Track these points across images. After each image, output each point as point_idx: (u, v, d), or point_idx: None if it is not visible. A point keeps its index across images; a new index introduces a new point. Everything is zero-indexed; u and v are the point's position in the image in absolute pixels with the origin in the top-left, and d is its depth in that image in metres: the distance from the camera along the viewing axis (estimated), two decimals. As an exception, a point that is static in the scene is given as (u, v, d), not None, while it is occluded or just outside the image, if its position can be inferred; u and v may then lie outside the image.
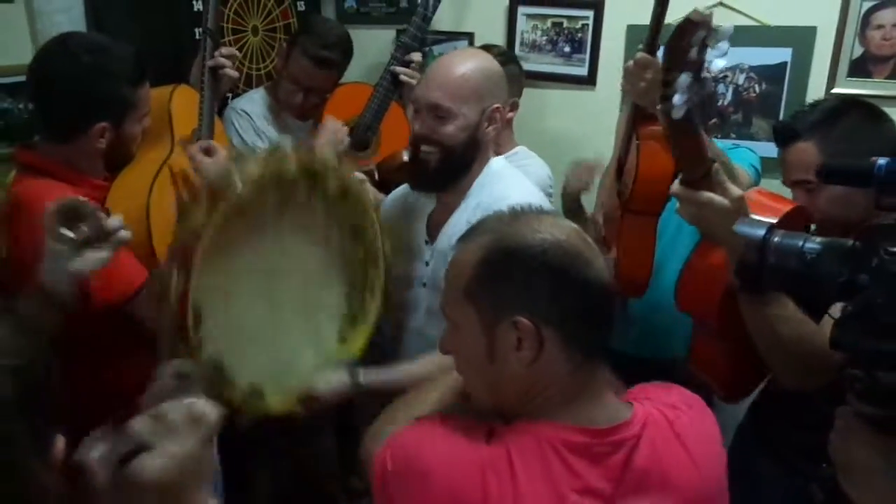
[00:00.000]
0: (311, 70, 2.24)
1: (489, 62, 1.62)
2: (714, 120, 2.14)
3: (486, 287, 0.97)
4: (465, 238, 1.04)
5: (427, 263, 1.66)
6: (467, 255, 0.99)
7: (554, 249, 0.95)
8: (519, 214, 1.02)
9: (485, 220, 1.06)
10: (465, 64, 1.57)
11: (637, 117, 1.85)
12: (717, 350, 1.55)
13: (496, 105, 1.59)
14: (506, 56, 2.35)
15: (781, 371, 1.35)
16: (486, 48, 2.38)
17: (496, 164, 1.65)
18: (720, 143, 2.24)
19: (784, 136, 1.53)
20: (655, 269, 1.92)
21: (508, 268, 0.95)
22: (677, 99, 1.09)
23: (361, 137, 2.34)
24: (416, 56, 2.35)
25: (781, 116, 2.38)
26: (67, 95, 1.51)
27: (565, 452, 0.93)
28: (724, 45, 1.12)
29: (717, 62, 1.12)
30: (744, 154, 2.08)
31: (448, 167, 1.58)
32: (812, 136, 1.46)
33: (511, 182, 1.62)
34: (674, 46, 1.10)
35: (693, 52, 1.09)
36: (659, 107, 1.21)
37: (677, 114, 1.12)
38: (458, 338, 1.01)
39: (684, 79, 1.09)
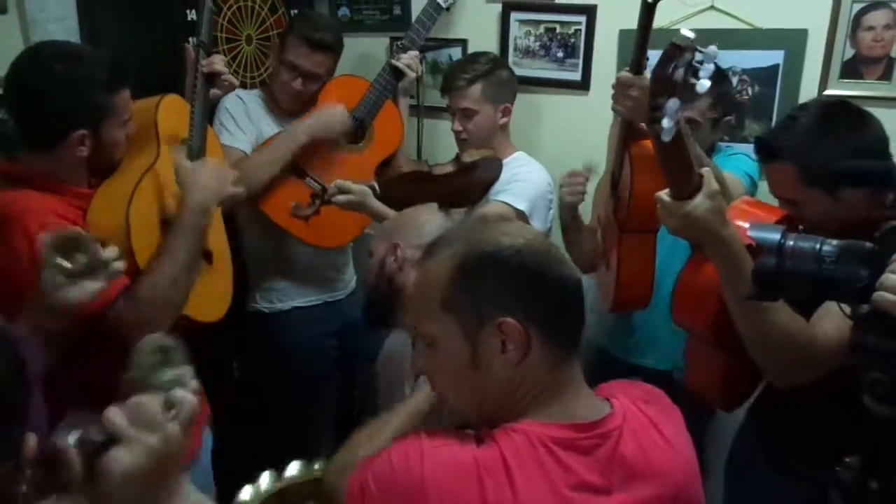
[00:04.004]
0: (307, 53, 2.24)
1: None
2: (729, 118, 2.15)
3: (465, 294, 0.97)
4: (429, 254, 1.03)
5: None
6: (438, 268, 0.99)
7: (527, 249, 0.97)
8: (484, 221, 1.06)
9: (447, 234, 1.07)
10: None
11: (628, 135, 1.86)
12: (711, 362, 1.57)
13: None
14: (495, 62, 2.36)
15: (772, 369, 1.36)
16: (475, 56, 2.39)
17: None
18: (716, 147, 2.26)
19: (764, 154, 1.53)
20: (655, 280, 1.93)
21: (486, 271, 0.96)
22: (665, 122, 1.11)
23: (353, 130, 2.35)
24: (415, 53, 2.37)
25: (774, 118, 2.40)
26: (41, 105, 1.50)
27: (556, 449, 0.93)
28: (709, 66, 1.14)
29: (702, 83, 1.14)
30: (740, 161, 2.08)
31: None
32: (791, 157, 1.45)
33: None
34: (660, 71, 1.12)
35: (679, 75, 1.10)
36: (647, 129, 1.22)
37: (666, 137, 1.14)
38: (436, 353, 1.01)
39: (672, 104, 1.10)
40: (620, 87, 1.74)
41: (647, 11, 1.65)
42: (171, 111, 1.75)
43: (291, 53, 2.25)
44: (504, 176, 2.27)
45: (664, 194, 1.31)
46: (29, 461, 0.76)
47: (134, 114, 1.64)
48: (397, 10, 2.80)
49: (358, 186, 2.09)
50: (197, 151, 1.77)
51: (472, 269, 0.97)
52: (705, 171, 1.28)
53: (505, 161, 2.31)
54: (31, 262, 1.39)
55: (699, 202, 1.25)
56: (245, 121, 2.27)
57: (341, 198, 2.08)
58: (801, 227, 1.48)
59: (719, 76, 2.04)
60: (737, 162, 2.07)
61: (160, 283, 1.52)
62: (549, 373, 0.97)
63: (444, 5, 2.37)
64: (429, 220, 1.59)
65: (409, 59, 2.32)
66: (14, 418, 0.77)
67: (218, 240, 1.85)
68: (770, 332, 1.29)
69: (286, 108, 2.34)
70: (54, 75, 1.49)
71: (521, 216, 2.15)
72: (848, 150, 1.40)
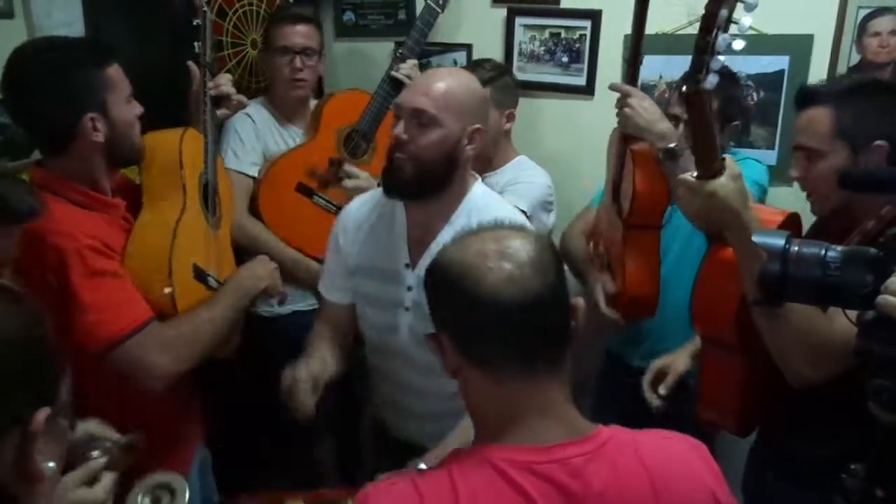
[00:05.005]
0: (291, 29, 2.27)
1: (475, 83, 1.63)
2: (736, 122, 2.14)
3: (428, 301, 1.03)
4: None
5: (409, 288, 1.65)
6: None
7: (451, 268, 0.96)
8: (464, 234, 1.03)
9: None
10: (453, 78, 1.58)
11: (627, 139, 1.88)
12: (729, 372, 1.52)
13: (478, 126, 1.57)
14: (500, 69, 2.37)
15: (792, 364, 1.33)
16: (479, 62, 2.40)
17: (479, 189, 1.65)
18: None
19: (803, 98, 1.53)
20: (664, 286, 1.92)
21: (429, 285, 1.02)
22: (715, 64, 1.12)
23: (358, 145, 2.35)
24: (413, 62, 2.36)
25: (780, 124, 2.40)
26: (45, 99, 1.48)
27: (510, 471, 0.90)
28: (745, 23, 1.18)
29: (737, 42, 1.17)
30: (750, 169, 2.06)
31: (422, 179, 1.55)
32: (830, 104, 1.46)
33: (497, 209, 1.60)
34: (712, 7, 1.15)
35: (725, 14, 1.13)
36: (684, 88, 1.24)
37: (711, 82, 1.14)
38: None
39: (724, 39, 1.11)
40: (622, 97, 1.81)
41: (641, 5, 1.68)
42: (191, 145, 1.74)
43: (279, 38, 2.28)
44: (506, 178, 2.27)
45: (688, 175, 1.32)
46: (36, 435, 0.78)
47: (156, 150, 1.65)
48: (402, 15, 2.81)
49: (365, 174, 2.15)
50: (213, 184, 1.77)
51: (427, 280, 1.03)
52: (727, 156, 1.30)
53: (507, 164, 2.32)
54: (62, 289, 1.41)
55: (724, 182, 1.26)
56: (252, 141, 2.27)
57: (349, 182, 2.11)
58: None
59: (730, 79, 2.05)
60: (746, 170, 2.06)
61: (197, 329, 1.56)
62: (494, 395, 0.94)
63: (438, 9, 2.36)
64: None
65: (408, 70, 2.32)
66: (40, 388, 0.79)
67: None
68: (788, 323, 1.27)
69: (291, 104, 2.34)
70: (47, 66, 1.49)
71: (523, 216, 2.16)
72: (887, 115, 1.42)
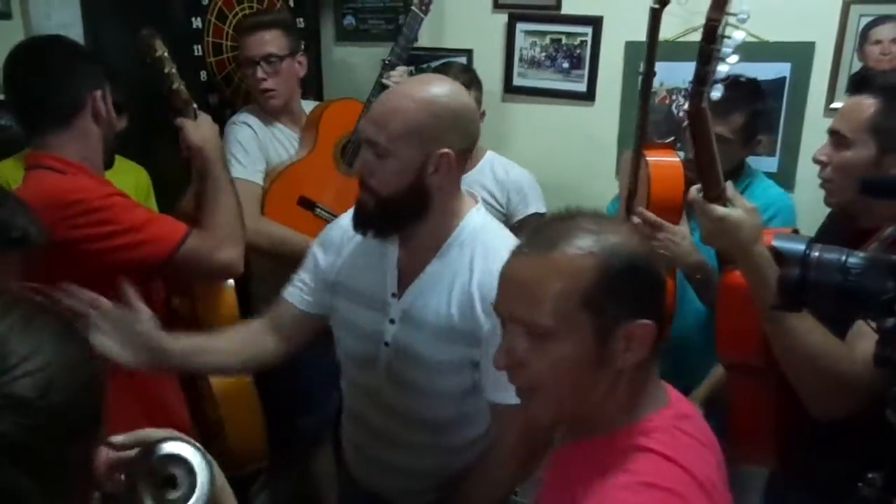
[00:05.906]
0: (250, 39, 2.24)
1: (443, 98, 1.36)
2: (759, 138, 2.11)
3: (609, 295, 0.96)
4: (551, 245, 0.98)
5: (392, 321, 1.47)
6: (577, 265, 0.96)
7: (648, 253, 1.03)
8: (598, 219, 1.02)
9: (551, 225, 1.02)
10: (411, 98, 1.35)
11: (643, 142, 1.87)
12: (762, 397, 1.48)
13: (445, 150, 1.34)
14: (468, 70, 2.38)
15: (812, 396, 1.31)
16: (447, 68, 2.37)
17: (475, 219, 1.45)
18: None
19: (857, 83, 1.50)
20: (678, 304, 1.90)
21: (630, 274, 0.97)
22: (720, 73, 1.12)
23: (355, 154, 2.32)
24: (403, 68, 2.32)
25: (781, 131, 2.40)
26: (58, 70, 1.52)
27: (682, 425, 1.01)
28: (739, 35, 1.20)
29: (731, 56, 1.17)
30: (775, 202, 2.00)
31: (385, 215, 1.40)
32: (879, 95, 1.39)
33: (497, 240, 1.42)
34: (713, 19, 1.18)
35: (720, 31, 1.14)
36: (685, 107, 1.22)
37: (715, 96, 1.13)
38: (551, 346, 0.97)
39: (728, 46, 1.10)
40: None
41: (654, 17, 1.66)
42: None
43: (242, 50, 2.26)
44: (486, 178, 2.31)
45: (695, 189, 1.31)
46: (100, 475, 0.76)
47: None
48: (402, 19, 2.78)
49: None
50: None
51: (618, 272, 0.96)
52: (728, 183, 1.29)
53: (482, 161, 2.35)
54: (97, 233, 1.46)
55: (737, 212, 1.26)
56: (255, 149, 2.26)
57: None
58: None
59: (756, 93, 2.03)
60: (772, 201, 2.00)
61: (226, 210, 1.67)
62: (650, 368, 1.03)
63: (422, 14, 2.32)
64: (476, 117, 1.45)
65: (398, 77, 2.29)
66: (84, 432, 0.74)
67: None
68: (805, 349, 1.24)
69: (277, 111, 2.32)
70: (65, 46, 1.59)
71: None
72: None
